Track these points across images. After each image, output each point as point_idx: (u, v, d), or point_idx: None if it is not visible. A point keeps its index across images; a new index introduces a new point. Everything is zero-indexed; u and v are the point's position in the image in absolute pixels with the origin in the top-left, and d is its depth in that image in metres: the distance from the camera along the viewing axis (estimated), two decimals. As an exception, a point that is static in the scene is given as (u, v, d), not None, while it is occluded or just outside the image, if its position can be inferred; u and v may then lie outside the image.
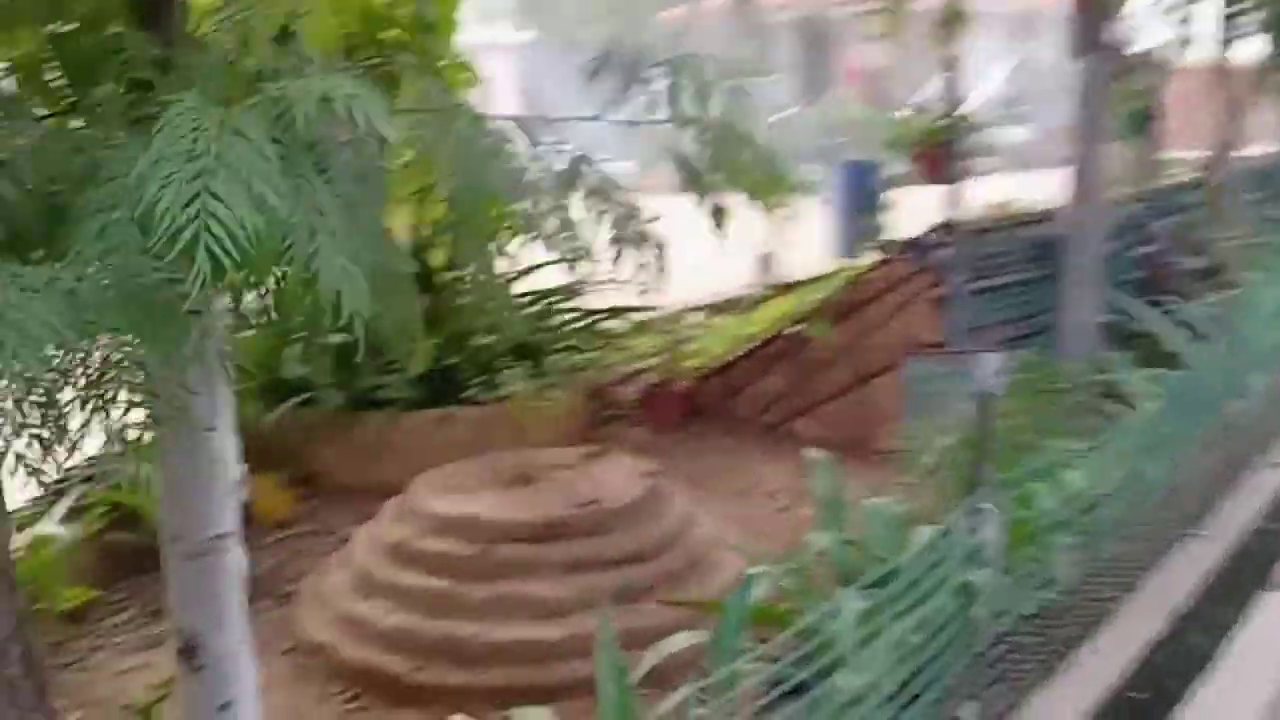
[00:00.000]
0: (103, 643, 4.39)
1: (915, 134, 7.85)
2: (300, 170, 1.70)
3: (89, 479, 4.98)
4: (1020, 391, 6.02)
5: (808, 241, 10.87)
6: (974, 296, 6.68)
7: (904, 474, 5.02)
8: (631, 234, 2.47)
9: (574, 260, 2.50)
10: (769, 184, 2.76)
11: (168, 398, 2.41)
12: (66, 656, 4.26)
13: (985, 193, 8.39)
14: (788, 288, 8.51)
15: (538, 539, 4.47)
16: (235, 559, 2.74)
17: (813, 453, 4.51)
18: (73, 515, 4.70)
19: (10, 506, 4.67)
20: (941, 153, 7.49)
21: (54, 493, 4.90)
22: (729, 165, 2.63)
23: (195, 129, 1.57)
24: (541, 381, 5.67)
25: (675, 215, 2.92)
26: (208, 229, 1.49)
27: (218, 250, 1.48)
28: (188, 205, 1.50)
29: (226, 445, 2.68)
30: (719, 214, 2.73)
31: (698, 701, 2.57)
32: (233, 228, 1.50)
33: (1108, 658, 3.90)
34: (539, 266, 5.25)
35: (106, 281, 1.62)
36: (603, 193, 2.46)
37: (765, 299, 8.37)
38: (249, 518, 5.56)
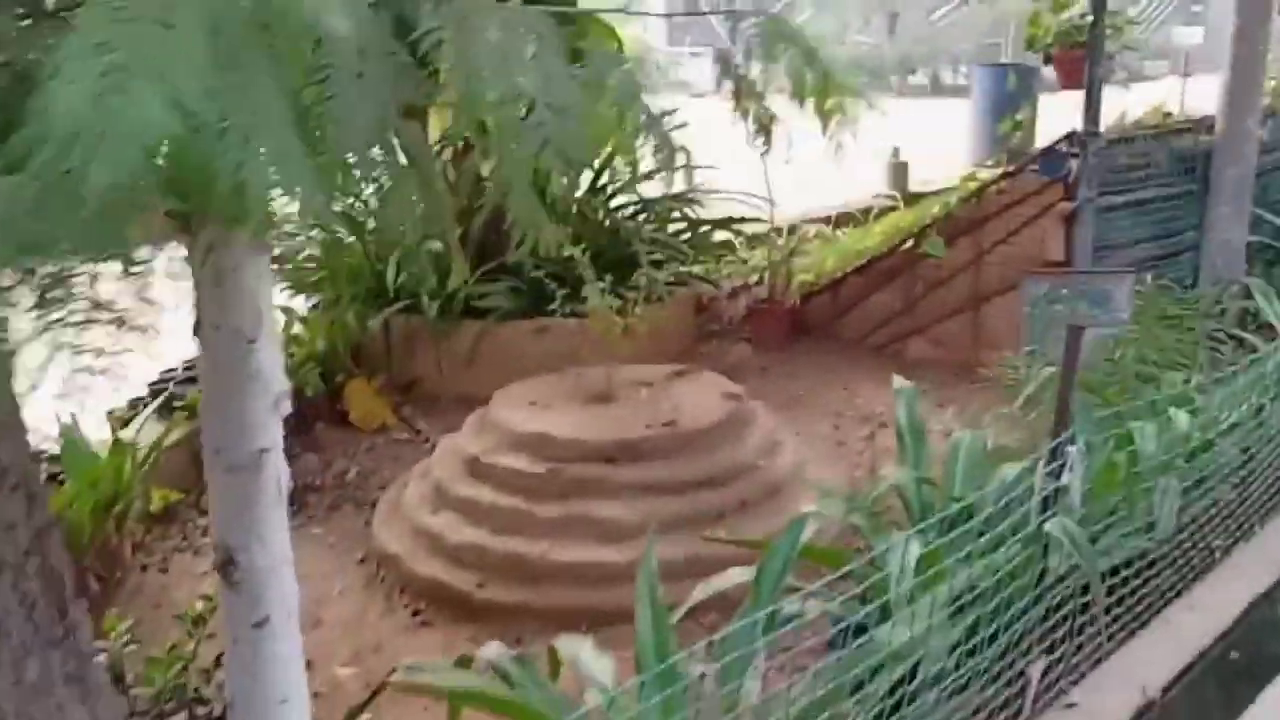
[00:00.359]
0: (186, 544, 4.49)
1: (1050, 34, 7.26)
2: (246, 67, 1.54)
3: (184, 381, 5.11)
4: (1148, 316, 5.62)
5: (949, 148, 10.35)
6: (1107, 212, 6.22)
7: (1005, 404, 4.75)
8: (656, 136, 2.26)
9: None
10: (820, 88, 2.50)
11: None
12: (150, 557, 4.38)
13: (1146, 99, 7.77)
14: (915, 198, 8.10)
15: (610, 459, 4.37)
16: (276, 474, 2.70)
17: (898, 379, 4.28)
18: (166, 417, 4.82)
19: (104, 408, 4.86)
20: (1080, 55, 6.91)
21: (151, 395, 5.05)
22: (772, 65, 2.39)
23: (114, 18, 1.43)
24: (629, 295, 5.51)
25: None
26: (112, 135, 1.36)
27: (119, 159, 1.35)
28: (92, 107, 1.36)
29: (269, 358, 2.61)
30: (763, 124, 2.51)
31: (709, 655, 2.45)
32: (142, 134, 1.37)
33: (1203, 614, 3.62)
34: (645, 176, 5.04)
35: (45, 189, 1.53)
36: (626, 94, 2.24)
37: (888, 211, 7.99)
38: (348, 423, 5.71)
